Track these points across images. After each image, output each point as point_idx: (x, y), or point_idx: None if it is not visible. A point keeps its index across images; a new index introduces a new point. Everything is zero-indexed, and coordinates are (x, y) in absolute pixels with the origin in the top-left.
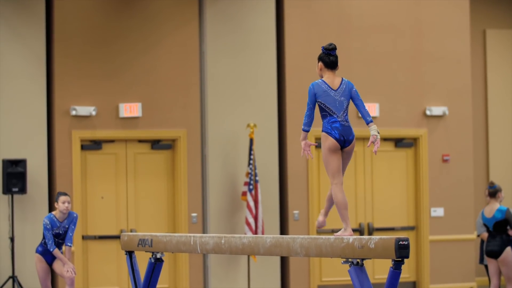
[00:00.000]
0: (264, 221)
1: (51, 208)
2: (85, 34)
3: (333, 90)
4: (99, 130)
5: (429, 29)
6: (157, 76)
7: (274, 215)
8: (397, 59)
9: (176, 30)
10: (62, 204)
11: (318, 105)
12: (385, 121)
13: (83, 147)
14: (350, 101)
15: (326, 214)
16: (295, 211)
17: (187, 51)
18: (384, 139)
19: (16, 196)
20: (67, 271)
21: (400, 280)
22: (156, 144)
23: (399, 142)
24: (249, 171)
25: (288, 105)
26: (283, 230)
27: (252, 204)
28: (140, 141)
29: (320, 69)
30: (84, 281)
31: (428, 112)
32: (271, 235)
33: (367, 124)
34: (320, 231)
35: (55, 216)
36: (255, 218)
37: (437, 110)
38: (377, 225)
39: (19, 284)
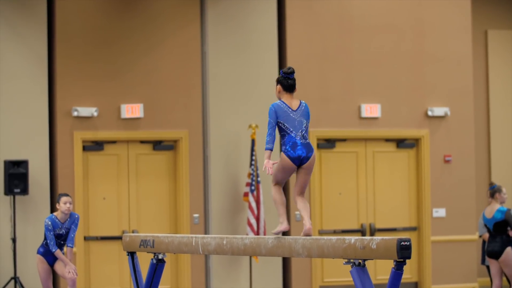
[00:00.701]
0: (266, 221)
1: (52, 209)
2: (86, 34)
3: (293, 110)
4: (101, 131)
5: (431, 30)
6: (159, 77)
7: (276, 216)
8: (399, 59)
9: (177, 30)
10: (63, 204)
11: (278, 125)
12: (387, 121)
13: (85, 148)
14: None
15: (285, 218)
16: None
17: (189, 52)
18: (386, 140)
19: (18, 197)
20: (69, 272)
21: (402, 280)
22: (158, 145)
23: (400, 143)
24: (251, 171)
25: None
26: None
27: (254, 205)
28: (142, 142)
29: (279, 92)
30: (86, 282)
31: (429, 113)
32: (273, 236)
33: None
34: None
35: (56, 217)
36: (257, 219)
37: (438, 111)
38: (379, 225)
39: (21, 285)
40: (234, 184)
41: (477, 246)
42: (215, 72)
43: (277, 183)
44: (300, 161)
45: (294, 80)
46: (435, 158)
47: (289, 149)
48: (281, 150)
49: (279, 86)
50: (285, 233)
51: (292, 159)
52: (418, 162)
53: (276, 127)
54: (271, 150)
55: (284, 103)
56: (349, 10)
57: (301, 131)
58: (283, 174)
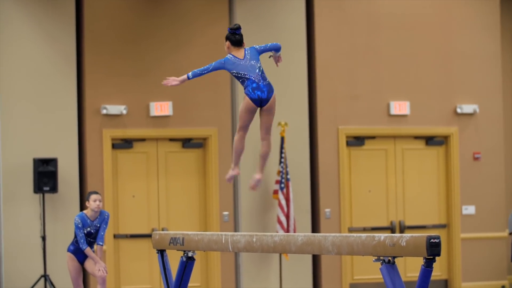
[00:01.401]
0: (295, 219)
1: (82, 207)
2: (115, 32)
3: (241, 60)
4: (130, 129)
5: (460, 27)
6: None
7: (305, 213)
8: (428, 57)
9: (206, 28)
10: (93, 202)
11: (234, 76)
12: (416, 119)
13: (114, 146)
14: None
15: (237, 164)
16: (327, 209)
17: (218, 49)
18: (415, 137)
19: (47, 195)
20: (99, 270)
21: (432, 278)
22: (187, 142)
23: (430, 140)
24: (281, 169)
25: (318, 104)
26: (315, 228)
27: (283, 202)
28: (171, 139)
29: (228, 47)
30: (116, 280)
31: (458, 110)
32: (303, 233)
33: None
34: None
35: (86, 215)
36: (287, 217)
37: (467, 108)
38: (408, 223)
39: (51, 283)
40: (264, 182)
41: (507, 243)
42: None
43: (241, 126)
44: (260, 102)
45: (241, 35)
46: (464, 155)
47: (250, 91)
48: (244, 92)
49: (227, 42)
50: (314, 230)
51: (253, 100)
52: (447, 159)
53: (235, 78)
54: (189, 77)
55: (233, 55)
56: (377, 8)
57: (257, 73)
58: (246, 115)
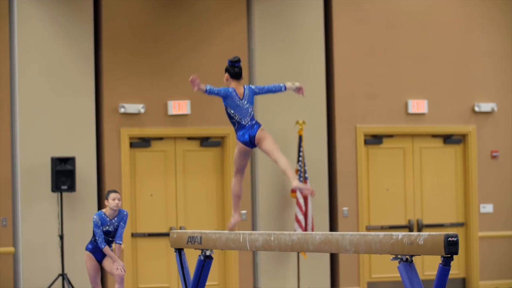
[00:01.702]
0: (313, 218)
1: (100, 206)
2: (133, 31)
3: (240, 99)
4: (147, 128)
5: (478, 25)
6: (206, 73)
7: (323, 212)
8: (446, 55)
9: (224, 27)
10: (112, 201)
11: (228, 112)
12: (434, 117)
13: (132, 145)
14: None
15: (236, 211)
16: (345, 208)
17: (235, 48)
18: (433, 136)
19: (65, 194)
20: (117, 268)
21: (450, 276)
22: (205, 141)
23: (448, 139)
24: (298, 168)
25: (336, 102)
26: (333, 227)
27: (301, 201)
28: (189, 138)
29: (227, 79)
30: (134, 278)
31: (476, 108)
32: (321, 232)
33: (284, 87)
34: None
35: (105, 214)
36: (305, 215)
37: (485, 106)
38: (426, 221)
39: (69, 282)
40: (282, 180)
41: None
42: (261, 69)
43: (237, 170)
44: (251, 142)
45: (240, 68)
46: (482, 153)
47: (240, 135)
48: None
49: (226, 74)
50: (332, 229)
51: (244, 143)
52: (465, 158)
53: (226, 114)
54: (205, 91)
55: (235, 91)
56: (395, 6)
57: (248, 119)
58: (240, 159)
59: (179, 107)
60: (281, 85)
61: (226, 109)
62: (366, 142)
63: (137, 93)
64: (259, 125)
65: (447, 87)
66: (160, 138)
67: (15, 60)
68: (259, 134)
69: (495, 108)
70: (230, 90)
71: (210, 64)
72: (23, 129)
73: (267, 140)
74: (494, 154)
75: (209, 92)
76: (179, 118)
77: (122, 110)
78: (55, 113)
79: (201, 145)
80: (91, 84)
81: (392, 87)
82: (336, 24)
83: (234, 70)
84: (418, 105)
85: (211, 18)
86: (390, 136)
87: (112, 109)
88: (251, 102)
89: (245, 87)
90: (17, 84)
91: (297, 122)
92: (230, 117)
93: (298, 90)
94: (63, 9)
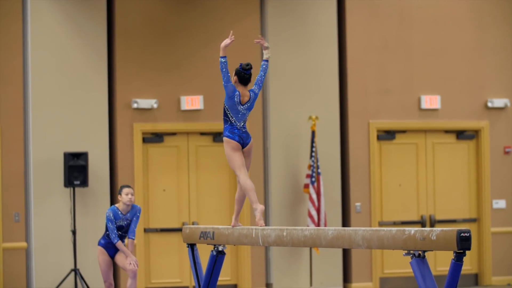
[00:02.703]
0: (326, 213)
1: (112, 201)
2: (146, 27)
3: (241, 105)
4: (160, 123)
5: (490, 21)
6: (218, 69)
7: (336, 208)
8: (459, 51)
9: (237, 22)
10: (125, 196)
11: (224, 109)
12: (446, 113)
13: (144, 140)
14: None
15: (237, 217)
16: (357, 203)
17: (248, 44)
18: (446, 131)
19: (77, 189)
20: (130, 263)
21: (462, 272)
22: (217, 136)
23: (460, 134)
24: (311, 163)
25: (349, 97)
26: (345, 222)
27: (314, 196)
28: (202, 133)
29: (235, 82)
30: (146, 273)
31: (489, 104)
32: (333, 227)
33: (264, 63)
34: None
35: (118, 209)
36: (318, 211)
37: (498, 102)
38: (439, 217)
39: (81, 277)
40: (294, 176)
41: None
42: (275, 64)
43: (239, 166)
44: (242, 144)
45: (250, 75)
46: (495, 149)
47: (229, 134)
48: (223, 135)
49: (235, 77)
50: (345, 224)
51: (233, 139)
52: (478, 153)
53: (223, 111)
54: (223, 60)
55: (239, 94)
56: (408, 2)
57: (243, 122)
58: (236, 155)
59: (192, 102)
60: (262, 65)
61: (224, 106)
62: (379, 138)
63: (150, 88)
64: (250, 137)
65: (460, 83)
66: (173, 133)
67: (28, 56)
68: (250, 146)
69: (508, 104)
70: (235, 91)
71: None
72: (36, 124)
73: (250, 156)
74: (507, 150)
75: (223, 65)
76: (192, 113)
77: (135, 105)
78: (68, 109)
79: (214, 140)
80: (104, 79)
81: (405, 82)
82: (349, 20)
83: (244, 77)
84: (431, 101)
85: (224, 14)
86: (403, 131)
87: (125, 104)
88: (250, 108)
89: (251, 93)
90: (30, 80)
91: (310, 118)
92: (225, 115)
93: (265, 48)
94: (76, 5)
